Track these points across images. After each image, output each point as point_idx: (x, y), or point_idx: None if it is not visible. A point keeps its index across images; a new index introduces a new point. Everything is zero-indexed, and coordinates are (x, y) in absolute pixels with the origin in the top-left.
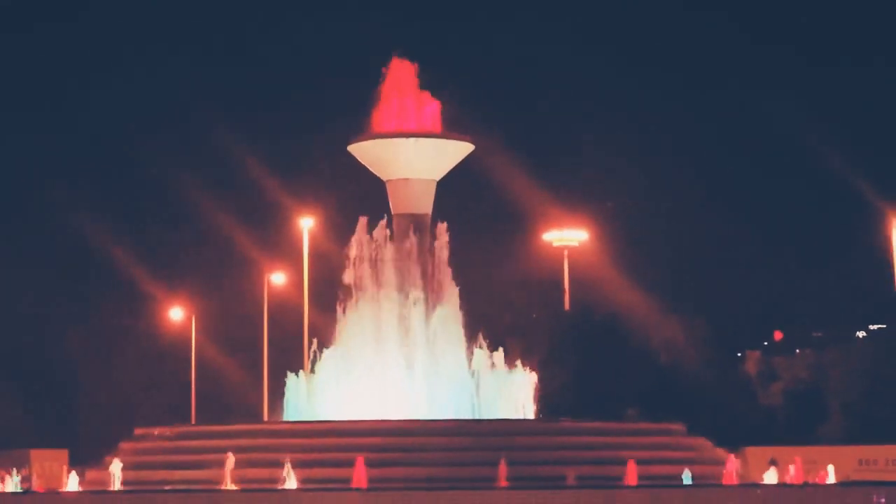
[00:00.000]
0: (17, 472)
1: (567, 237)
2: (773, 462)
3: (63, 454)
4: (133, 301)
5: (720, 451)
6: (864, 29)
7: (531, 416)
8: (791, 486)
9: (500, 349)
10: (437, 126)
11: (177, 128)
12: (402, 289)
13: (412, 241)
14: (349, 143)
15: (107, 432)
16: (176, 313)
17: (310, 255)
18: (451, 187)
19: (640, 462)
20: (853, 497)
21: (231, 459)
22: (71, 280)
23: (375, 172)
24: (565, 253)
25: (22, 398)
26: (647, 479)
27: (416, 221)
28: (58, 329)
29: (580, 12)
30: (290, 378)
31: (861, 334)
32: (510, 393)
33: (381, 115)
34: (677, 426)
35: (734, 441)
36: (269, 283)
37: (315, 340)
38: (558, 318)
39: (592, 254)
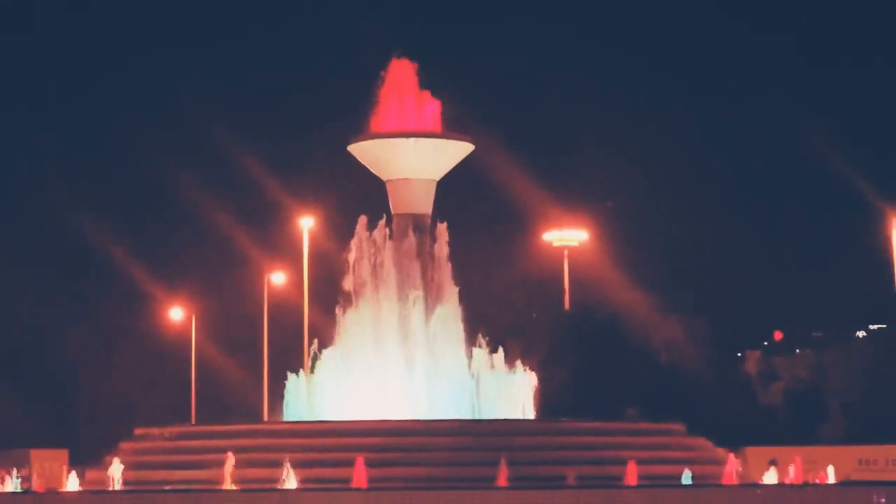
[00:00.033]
0: (18, 472)
1: (567, 237)
2: (773, 462)
3: (63, 454)
4: (133, 301)
5: (720, 451)
6: (864, 29)
7: (531, 416)
8: (791, 486)
9: (500, 349)
10: (437, 126)
11: (177, 128)
12: (402, 289)
13: (412, 241)
14: (349, 143)
15: (107, 432)
16: (176, 313)
17: (310, 254)
18: (451, 187)
19: (640, 462)
20: (853, 497)
21: (231, 459)
22: (71, 280)
23: (375, 172)
24: (565, 253)
25: (22, 398)
26: (648, 479)
27: (416, 221)
28: (58, 329)
29: (580, 12)
30: (291, 378)
31: (861, 334)
32: (510, 393)
33: (381, 115)
34: (677, 426)
35: (734, 441)
36: (269, 283)
37: (316, 341)
38: (558, 318)
39: (592, 254)
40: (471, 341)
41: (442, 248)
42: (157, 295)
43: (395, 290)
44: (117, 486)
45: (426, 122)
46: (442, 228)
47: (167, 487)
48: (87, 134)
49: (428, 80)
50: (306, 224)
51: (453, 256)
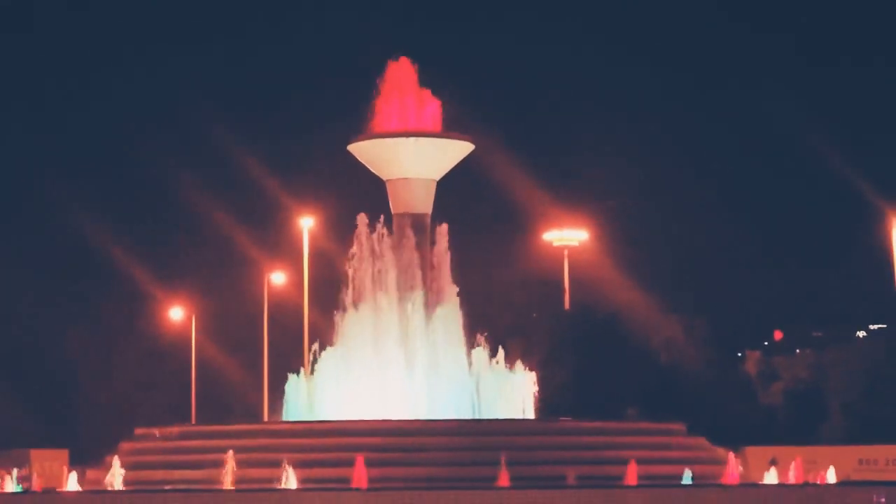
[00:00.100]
0: (18, 471)
1: (567, 237)
2: (773, 462)
3: (63, 454)
4: (133, 301)
5: (720, 451)
6: (864, 29)
7: (531, 416)
8: (791, 485)
9: (500, 349)
10: (437, 126)
11: (177, 128)
12: (402, 288)
13: (412, 240)
14: (349, 142)
15: (107, 432)
16: (176, 313)
17: (310, 254)
18: (451, 187)
19: (640, 462)
20: (853, 497)
21: (232, 459)
22: (71, 280)
23: (375, 172)
24: (565, 253)
25: (22, 398)
26: (648, 478)
27: (415, 221)
28: (58, 329)
29: (580, 12)
30: (291, 378)
31: (861, 334)
32: (510, 393)
33: (381, 115)
34: (677, 426)
35: (734, 441)
36: (269, 283)
37: (318, 342)
38: (558, 318)
39: (592, 253)
40: (471, 341)
41: (442, 248)
42: (157, 295)
43: (394, 289)
44: (117, 486)
45: (426, 122)
46: (442, 228)
47: (167, 487)
48: (87, 134)
49: (428, 80)
50: (306, 224)
51: (453, 256)
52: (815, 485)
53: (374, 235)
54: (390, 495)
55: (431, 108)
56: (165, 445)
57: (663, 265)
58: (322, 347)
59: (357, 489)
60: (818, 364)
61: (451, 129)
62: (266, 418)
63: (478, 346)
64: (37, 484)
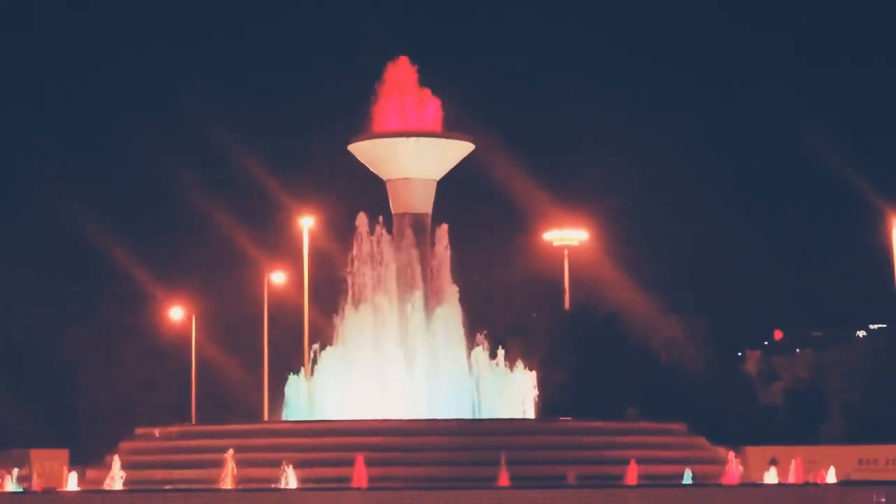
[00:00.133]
0: (19, 471)
1: (567, 237)
2: (773, 461)
3: (63, 454)
4: (133, 301)
5: (720, 451)
6: (864, 29)
7: (531, 415)
8: (791, 485)
9: (501, 349)
10: (437, 126)
11: (177, 128)
12: (402, 288)
13: (412, 240)
14: (349, 142)
15: (107, 432)
16: (176, 313)
17: (310, 254)
18: (451, 187)
19: (640, 461)
20: (853, 497)
21: (231, 459)
22: (71, 280)
23: (375, 172)
24: (565, 252)
25: (22, 398)
26: (648, 478)
27: (416, 221)
28: (58, 329)
29: (580, 12)
30: (291, 378)
31: (861, 334)
32: (510, 392)
33: (381, 114)
34: (678, 426)
35: (734, 440)
36: (269, 283)
37: (319, 343)
38: (558, 318)
39: (593, 253)
40: (471, 341)
41: (442, 248)
42: (157, 295)
43: (394, 289)
44: (117, 486)
45: (426, 122)
46: (442, 228)
47: (167, 487)
48: (87, 134)
49: (428, 80)
50: (306, 224)
51: (453, 256)
52: (815, 484)
53: (374, 235)
54: (390, 495)
55: (431, 107)
56: (165, 445)
57: (663, 265)
58: (322, 347)
59: (357, 489)
60: (818, 364)
61: (451, 129)
62: (266, 418)
63: (478, 346)
64: (37, 484)
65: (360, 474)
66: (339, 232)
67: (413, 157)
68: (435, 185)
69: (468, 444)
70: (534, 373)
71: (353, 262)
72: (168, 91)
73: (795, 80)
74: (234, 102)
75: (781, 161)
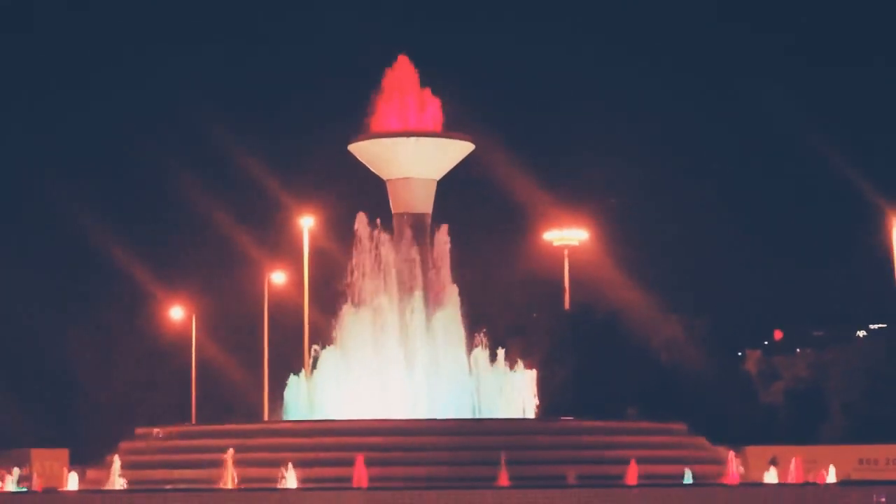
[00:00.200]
0: (20, 471)
1: (567, 236)
2: (773, 461)
3: (63, 454)
4: (133, 301)
5: (721, 451)
6: (864, 29)
7: (531, 415)
8: (791, 485)
9: (501, 349)
10: (437, 125)
11: (177, 128)
12: (402, 288)
13: (412, 240)
14: (349, 142)
15: (107, 432)
16: (176, 313)
17: (310, 254)
18: (452, 187)
19: (640, 461)
20: (853, 496)
21: (231, 459)
22: (71, 280)
23: (376, 171)
24: (565, 252)
25: (22, 398)
26: (648, 478)
27: (416, 221)
28: (58, 329)
29: (580, 12)
30: (291, 378)
31: (861, 334)
32: (510, 392)
33: (381, 114)
34: (678, 425)
35: (735, 440)
36: (269, 283)
37: (319, 344)
38: (558, 318)
39: (593, 253)
40: (471, 341)
41: (442, 247)
42: (157, 295)
43: (395, 289)
44: (117, 486)
45: (426, 122)
46: (442, 228)
47: (167, 487)
48: (87, 134)
49: (428, 80)
50: (306, 223)
51: (453, 256)
52: (815, 484)
53: (374, 235)
54: (390, 495)
55: (432, 107)
56: (165, 445)
57: (663, 265)
58: (322, 347)
59: (357, 488)
60: (818, 363)
61: (451, 128)
62: (266, 418)
63: (478, 345)
64: (37, 483)
65: (360, 474)
66: (339, 232)
67: (413, 157)
68: (435, 184)
69: (468, 444)
70: (534, 373)
71: (352, 262)
72: (168, 91)
73: (795, 80)
74: (234, 102)
75: (781, 161)
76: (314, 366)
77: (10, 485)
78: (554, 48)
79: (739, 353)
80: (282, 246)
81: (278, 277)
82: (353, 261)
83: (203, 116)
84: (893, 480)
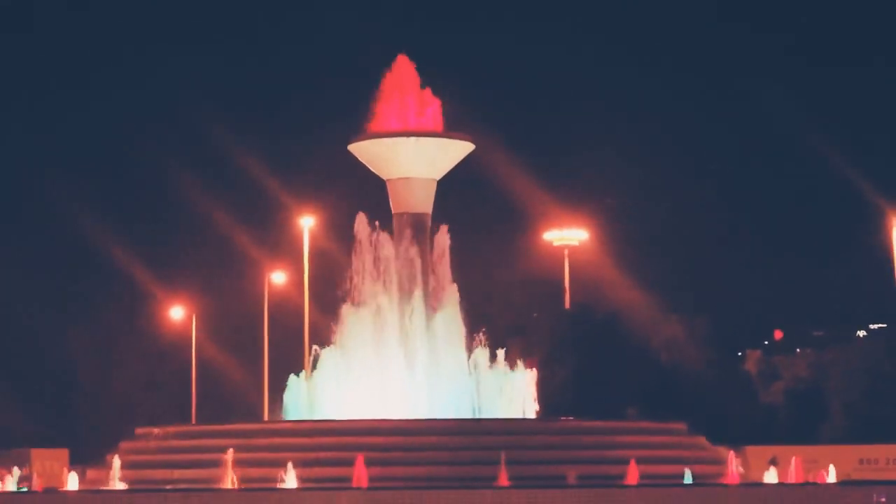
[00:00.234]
0: (20, 471)
1: (567, 236)
2: (773, 461)
3: (63, 453)
4: (133, 301)
5: (721, 450)
6: (864, 29)
7: (532, 415)
8: (791, 485)
9: (501, 349)
10: (437, 125)
11: (177, 128)
12: (402, 288)
13: (412, 240)
14: (349, 142)
15: (107, 432)
16: (176, 312)
17: (310, 254)
18: (452, 187)
19: (640, 461)
20: (854, 496)
21: (232, 458)
22: (71, 280)
23: (376, 171)
24: (566, 252)
25: (22, 398)
26: (648, 478)
27: (416, 221)
28: (58, 329)
29: (580, 12)
30: (291, 378)
31: (862, 333)
32: (511, 392)
33: (381, 114)
34: (678, 425)
35: (735, 440)
36: (269, 283)
37: (318, 346)
38: (559, 318)
39: (593, 253)
40: (471, 341)
41: (442, 248)
42: (158, 295)
43: (395, 289)
44: (117, 486)
45: (427, 122)
46: (442, 228)
47: (167, 487)
48: (87, 134)
49: (428, 80)
50: (307, 223)
51: (453, 256)
52: (815, 484)
53: (374, 235)
54: (390, 494)
55: (432, 107)
56: (165, 445)
57: (663, 265)
58: (322, 347)
59: (357, 488)
60: (819, 363)
61: (451, 128)
62: (266, 418)
63: (478, 345)
64: (37, 483)
65: (360, 474)
66: (340, 231)
67: (413, 157)
68: (435, 184)
69: (468, 444)
70: (534, 373)
71: (353, 262)
72: (168, 91)
73: (795, 80)
74: (234, 102)
75: (781, 161)
76: (314, 366)
77: (11, 485)
78: (554, 48)
79: (739, 353)
80: (282, 246)
81: (278, 277)
82: (353, 261)
83: (203, 116)
84: (894, 480)
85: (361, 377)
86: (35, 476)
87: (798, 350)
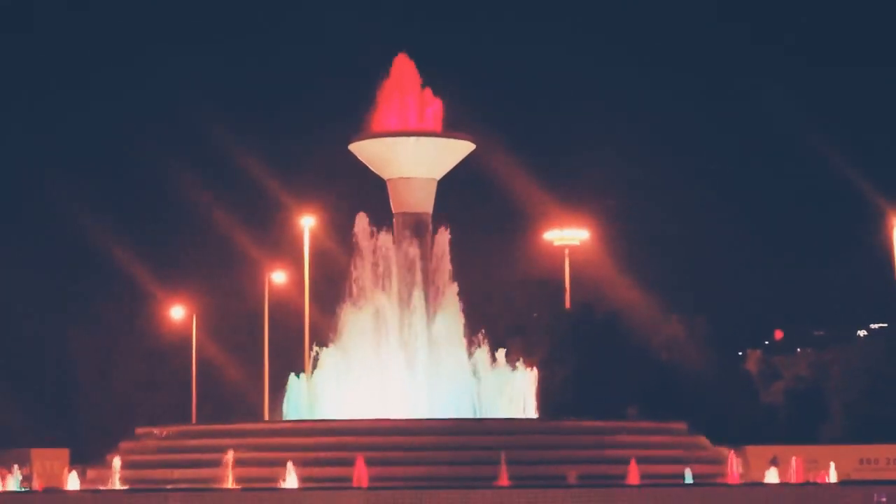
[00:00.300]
0: (20, 470)
1: (568, 236)
2: (773, 461)
3: (64, 453)
4: (133, 301)
5: (721, 450)
6: (864, 29)
7: (532, 415)
8: (792, 485)
9: (501, 349)
10: (438, 125)
11: (177, 127)
12: (403, 288)
13: (412, 240)
14: (350, 142)
15: (107, 432)
16: (176, 312)
17: (310, 254)
18: (452, 187)
19: (641, 461)
20: (854, 496)
21: (232, 458)
22: (71, 280)
23: (376, 171)
24: (566, 252)
25: (22, 398)
26: (649, 478)
27: (416, 220)
28: (58, 329)
29: (580, 12)
30: (291, 378)
31: (862, 333)
32: (511, 392)
33: (382, 114)
34: (678, 425)
35: (735, 440)
36: (269, 283)
37: (318, 346)
38: (559, 318)
39: (593, 253)
40: (471, 341)
41: (442, 247)
42: (158, 295)
43: (395, 289)
44: (118, 485)
45: (427, 121)
46: (443, 228)
47: (168, 486)
48: (87, 134)
49: (428, 80)
50: (307, 223)
51: (453, 256)
52: (815, 484)
53: (374, 235)
54: (390, 495)
55: (432, 107)
56: (165, 445)
57: (663, 265)
58: (323, 347)
59: (357, 488)
60: (819, 363)
61: (451, 128)
62: (266, 418)
63: (478, 345)
64: (37, 483)
65: (360, 474)
66: (340, 231)
67: (413, 157)
68: (435, 184)
69: (468, 443)
70: (534, 373)
71: (353, 262)
72: (168, 91)
73: (795, 80)
74: (234, 102)
75: (781, 161)
76: (314, 366)
77: (11, 484)
78: (554, 48)
79: (740, 353)
80: (282, 246)
81: (278, 277)
82: (353, 261)
83: (203, 116)
84: (894, 480)
85: (361, 377)
86: (35, 476)
87: (798, 350)
